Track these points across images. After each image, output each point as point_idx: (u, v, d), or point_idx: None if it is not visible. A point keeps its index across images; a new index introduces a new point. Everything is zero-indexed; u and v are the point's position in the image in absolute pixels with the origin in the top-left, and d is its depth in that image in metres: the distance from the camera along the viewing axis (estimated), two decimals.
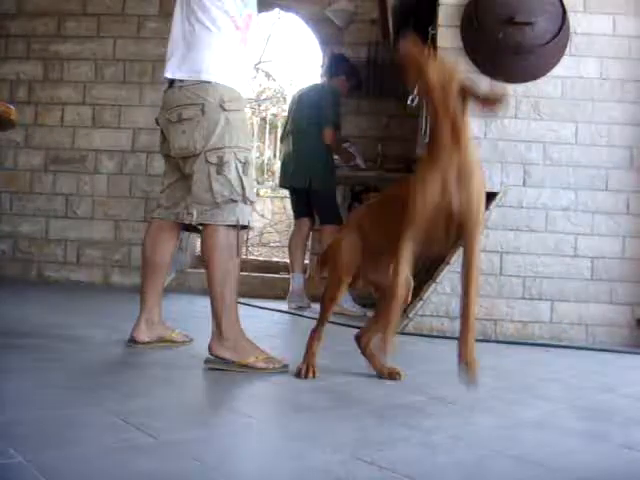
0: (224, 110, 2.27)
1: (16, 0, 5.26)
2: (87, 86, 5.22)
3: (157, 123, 2.50)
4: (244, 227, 2.32)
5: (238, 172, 2.26)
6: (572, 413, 1.90)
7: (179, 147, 2.31)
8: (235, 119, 2.30)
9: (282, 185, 4.67)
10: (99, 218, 5.17)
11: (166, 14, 5.04)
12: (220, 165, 2.24)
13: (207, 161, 2.25)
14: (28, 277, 5.14)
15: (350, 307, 4.24)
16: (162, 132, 2.48)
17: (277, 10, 5.72)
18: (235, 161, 2.26)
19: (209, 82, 2.28)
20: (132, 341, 2.46)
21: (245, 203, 2.27)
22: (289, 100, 5.21)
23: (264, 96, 10.22)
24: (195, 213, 2.27)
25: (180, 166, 2.41)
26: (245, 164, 2.28)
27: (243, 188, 2.26)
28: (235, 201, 2.25)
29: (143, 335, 2.47)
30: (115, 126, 5.19)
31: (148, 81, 5.16)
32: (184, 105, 2.29)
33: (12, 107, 2.33)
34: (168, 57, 2.41)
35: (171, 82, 2.37)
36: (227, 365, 2.15)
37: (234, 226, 2.25)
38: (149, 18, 5.18)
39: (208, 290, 2.26)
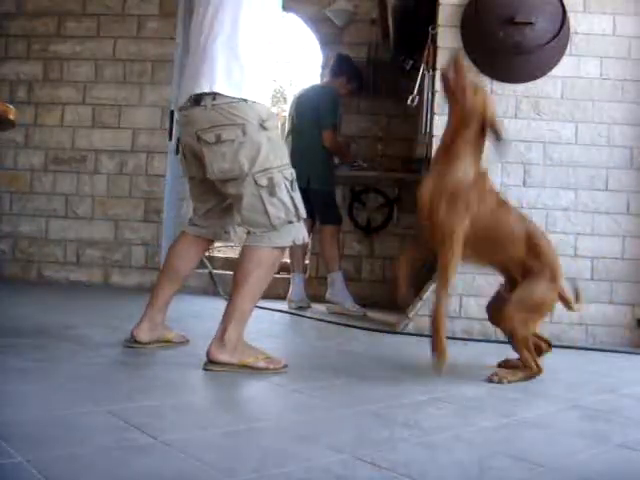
0: (265, 129, 2.21)
1: (16, 0, 5.26)
2: (87, 86, 5.21)
3: (178, 143, 2.41)
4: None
5: (288, 191, 2.22)
6: (572, 413, 1.90)
7: (219, 170, 2.21)
8: (274, 137, 2.25)
9: None
10: (99, 218, 5.17)
11: (166, 14, 5.06)
12: (271, 187, 2.18)
13: (257, 184, 2.17)
14: (28, 277, 5.14)
15: (350, 307, 4.25)
16: (183, 153, 2.40)
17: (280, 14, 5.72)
18: (284, 180, 2.21)
19: (246, 101, 2.19)
20: (132, 339, 2.46)
21: (299, 221, 2.25)
22: (289, 100, 5.21)
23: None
24: (234, 232, 2.27)
25: (214, 188, 2.34)
26: (292, 181, 2.25)
27: (296, 207, 2.22)
28: (291, 222, 2.22)
29: (144, 335, 2.46)
30: (115, 126, 5.19)
31: (148, 81, 5.16)
32: (222, 125, 2.18)
33: (11, 107, 2.33)
34: (192, 72, 2.27)
35: (197, 100, 2.23)
36: (227, 367, 2.15)
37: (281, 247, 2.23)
38: (149, 18, 5.16)
39: (231, 293, 2.22)
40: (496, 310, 2.50)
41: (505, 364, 2.50)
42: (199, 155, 2.29)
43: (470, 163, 2.34)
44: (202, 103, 2.21)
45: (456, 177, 2.32)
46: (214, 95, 2.19)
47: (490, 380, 2.26)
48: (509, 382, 2.27)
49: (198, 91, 2.22)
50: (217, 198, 2.44)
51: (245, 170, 2.18)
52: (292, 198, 2.23)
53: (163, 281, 2.51)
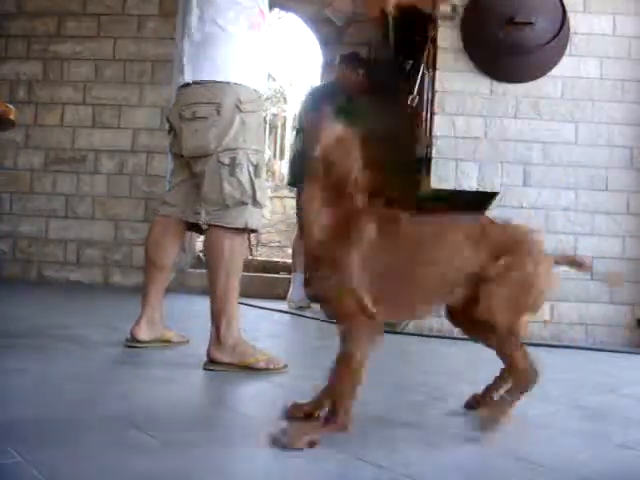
0: (240, 111, 2.23)
1: (16, 0, 5.26)
2: (87, 86, 5.22)
3: (167, 120, 2.44)
4: (252, 230, 2.29)
5: (250, 174, 2.22)
6: (572, 413, 1.90)
7: (191, 146, 2.27)
8: (250, 121, 2.26)
9: (290, 183, 4.61)
10: (99, 218, 5.17)
11: (166, 14, 5.06)
12: (232, 166, 2.20)
13: (219, 161, 2.21)
14: (28, 277, 5.14)
15: None
16: (172, 130, 2.43)
17: (277, 10, 5.72)
18: (247, 163, 2.22)
19: (227, 82, 2.24)
20: (131, 339, 2.46)
21: (255, 206, 2.24)
22: (289, 100, 5.20)
23: (264, 96, 10.20)
24: (203, 213, 2.23)
25: (190, 165, 2.37)
26: (257, 166, 2.26)
27: (254, 191, 2.23)
28: (245, 204, 2.21)
29: (143, 334, 2.46)
30: (115, 126, 5.19)
31: (148, 81, 5.16)
32: (199, 103, 2.24)
33: (11, 107, 2.33)
34: (185, 63, 2.33)
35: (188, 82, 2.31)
36: (227, 367, 2.15)
37: (241, 229, 2.22)
38: (149, 18, 5.17)
39: (209, 292, 2.23)
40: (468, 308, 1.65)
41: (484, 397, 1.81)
42: (178, 134, 2.34)
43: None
44: (191, 84, 2.29)
45: None
46: (202, 79, 2.26)
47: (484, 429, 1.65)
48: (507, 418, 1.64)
49: (188, 79, 2.30)
50: (189, 173, 2.44)
51: (212, 148, 2.21)
52: (252, 182, 2.23)
53: (151, 277, 2.50)
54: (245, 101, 2.25)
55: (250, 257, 5.62)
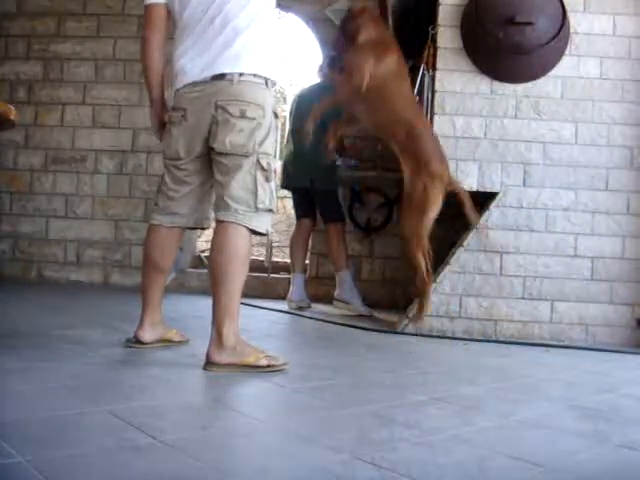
0: (275, 117, 2.30)
1: (16, 0, 5.26)
2: (87, 86, 5.21)
3: (181, 110, 2.36)
4: (266, 235, 2.36)
5: (274, 182, 2.30)
6: (572, 413, 1.90)
7: (231, 143, 2.21)
8: (275, 127, 2.32)
9: (284, 186, 4.66)
10: (99, 218, 5.17)
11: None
12: (269, 172, 2.25)
13: (259, 163, 2.23)
14: (28, 277, 5.14)
15: (358, 307, 4.23)
16: (172, 130, 2.38)
17: (277, 10, 5.72)
18: (273, 170, 2.29)
19: (266, 85, 2.27)
20: (136, 341, 2.46)
21: (273, 213, 2.32)
22: (289, 100, 5.20)
23: None
24: (231, 211, 2.20)
25: (201, 169, 2.38)
26: (275, 174, 2.34)
27: (275, 198, 2.31)
28: (270, 211, 2.28)
29: (147, 335, 2.46)
30: (115, 126, 5.19)
31: None
32: (246, 102, 2.21)
33: (12, 107, 2.32)
34: (207, 54, 2.27)
35: (219, 76, 2.24)
36: (227, 367, 2.15)
37: (253, 232, 2.24)
38: None
39: (214, 290, 2.21)
40: None
41: None
42: (206, 128, 2.27)
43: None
44: (227, 77, 2.23)
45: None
46: (240, 72, 2.23)
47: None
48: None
49: (226, 70, 2.23)
50: (200, 179, 2.42)
51: (256, 149, 2.23)
52: (275, 190, 2.33)
53: (150, 279, 2.50)
54: (275, 106, 2.32)
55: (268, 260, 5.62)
